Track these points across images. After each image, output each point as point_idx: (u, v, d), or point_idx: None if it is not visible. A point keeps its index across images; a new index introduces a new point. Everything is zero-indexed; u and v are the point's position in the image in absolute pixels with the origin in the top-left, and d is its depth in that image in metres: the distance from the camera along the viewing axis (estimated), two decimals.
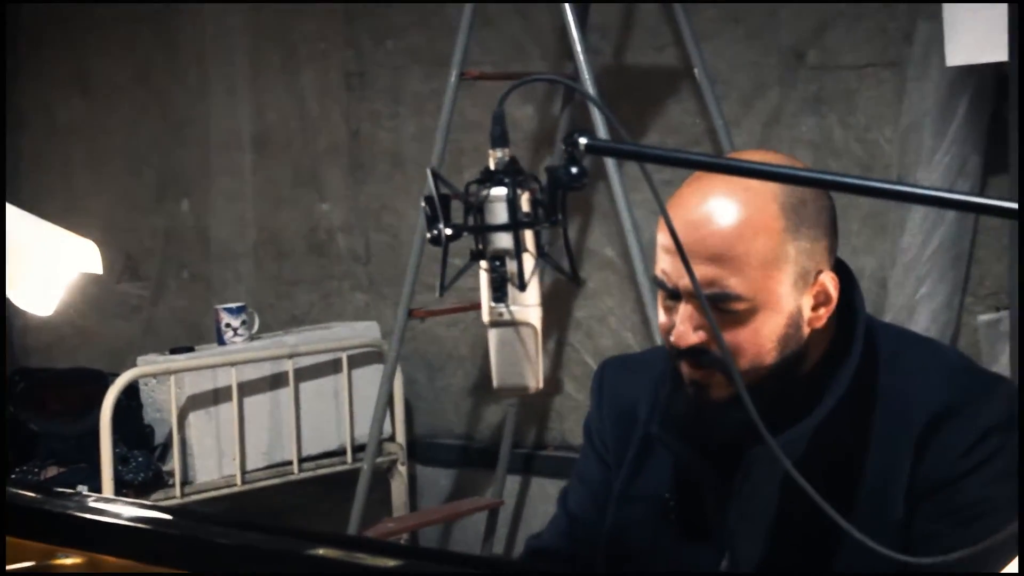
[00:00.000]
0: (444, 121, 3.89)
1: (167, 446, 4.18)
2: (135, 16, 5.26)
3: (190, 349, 4.32)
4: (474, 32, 4.50)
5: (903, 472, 1.81)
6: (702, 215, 1.83)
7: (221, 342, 4.37)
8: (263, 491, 4.33)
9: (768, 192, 1.81)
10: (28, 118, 5.57)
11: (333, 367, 4.47)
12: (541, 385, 1.68)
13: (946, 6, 3.48)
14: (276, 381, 4.37)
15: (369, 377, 4.48)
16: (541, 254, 1.65)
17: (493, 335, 1.67)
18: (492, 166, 1.66)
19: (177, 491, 4.12)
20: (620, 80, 4.38)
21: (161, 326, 5.32)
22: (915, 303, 3.78)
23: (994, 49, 3.44)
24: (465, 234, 1.64)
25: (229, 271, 5.18)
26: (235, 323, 4.35)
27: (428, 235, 1.67)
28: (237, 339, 4.36)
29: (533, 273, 1.62)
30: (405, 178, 4.78)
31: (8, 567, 1.90)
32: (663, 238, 1.85)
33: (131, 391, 4.26)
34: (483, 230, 1.63)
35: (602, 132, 3.60)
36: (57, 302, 2.27)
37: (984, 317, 3.83)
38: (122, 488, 3.99)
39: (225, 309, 4.37)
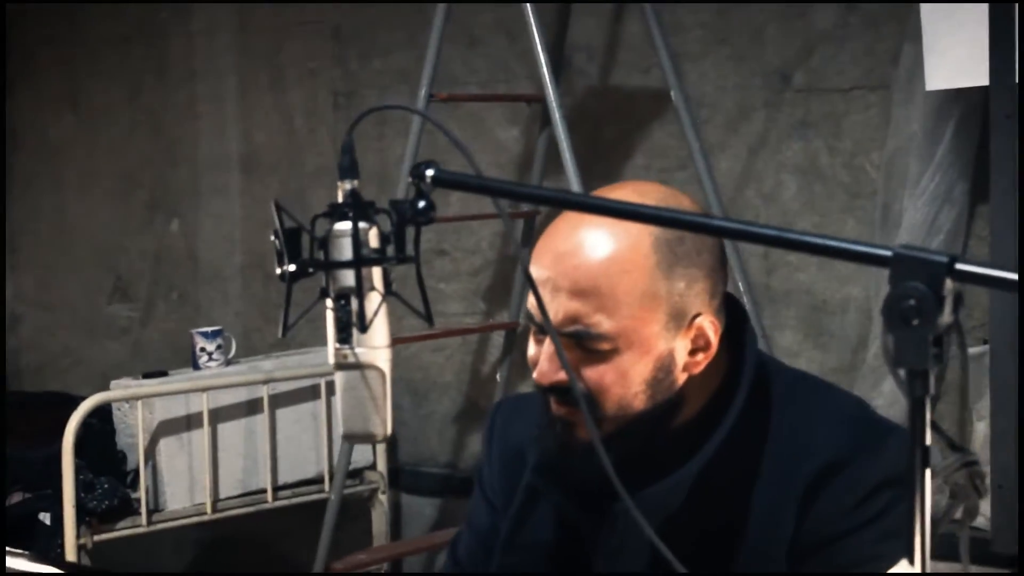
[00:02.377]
0: (412, 143, 3.79)
1: (139, 472, 4.09)
2: (126, 36, 5.21)
3: (164, 373, 4.24)
4: (459, 52, 4.44)
5: (787, 526, 1.70)
6: (570, 247, 1.72)
7: (196, 367, 4.28)
8: (236, 519, 4.24)
9: (643, 227, 1.70)
10: (21, 137, 5.52)
11: (312, 393, 4.38)
12: (389, 432, 1.58)
13: (925, 29, 3.37)
14: (252, 407, 4.28)
15: None
16: (389, 292, 1.55)
17: (338, 379, 1.57)
18: (340, 199, 1.56)
19: (144, 519, 4.03)
20: (605, 101, 4.29)
21: (150, 348, 5.25)
22: None
23: (974, 74, 3.33)
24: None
25: (217, 293, 5.10)
26: (210, 347, 4.27)
27: (277, 271, 1.58)
28: (212, 364, 4.28)
29: (376, 313, 1.52)
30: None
31: None
32: (533, 270, 1.75)
33: (105, 415, 4.19)
34: (325, 267, 1.53)
35: (568, 157, 3.51)
36: None
37: (972, 350, 3.69)
38: (85, 516, 3.91)
39: (200, 333, 4.28)
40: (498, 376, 4.27)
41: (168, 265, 5.22)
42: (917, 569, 1.29)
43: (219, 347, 4.29)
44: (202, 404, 4.11)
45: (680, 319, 1.73)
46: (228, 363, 4.33)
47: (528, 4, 3.47)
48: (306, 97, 4.86)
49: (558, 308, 1.71)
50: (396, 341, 4.11)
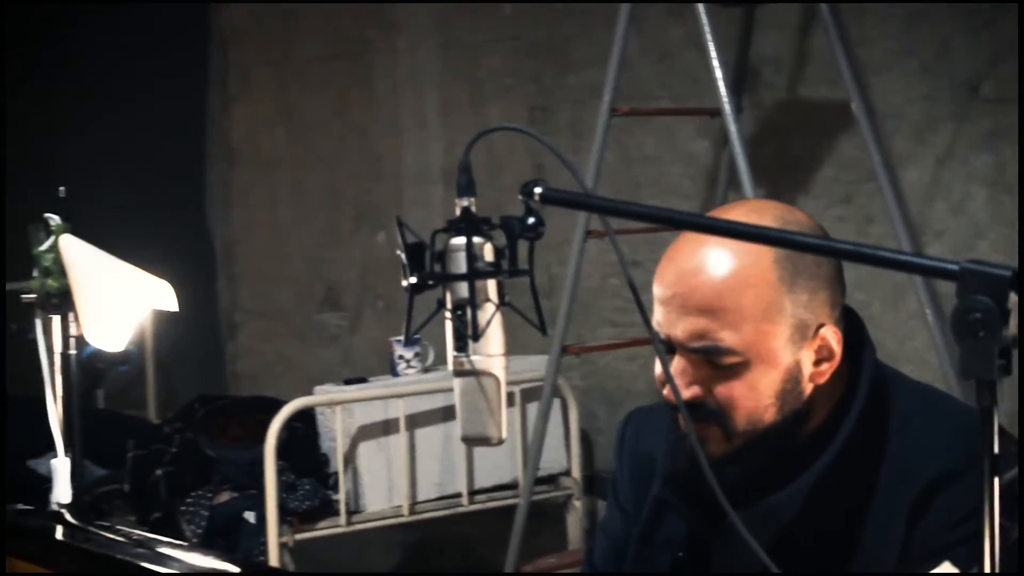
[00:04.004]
0: (595, 154, 3.89)
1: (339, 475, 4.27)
2: (334, 54, 5.41)
3: (363, 380, 4.40)
4: (651, 67, 4.51)
5: (900, 534, 1.74)
6: (694, 266, 1.78)
7: (395, 373, 4.44)
8: (433, 522, 4.39)
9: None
10: (238, 153, 5.77)
11: (508, 400, 4.49)
12: (504, 435, 1.68)
13: None
14: (448, 413, 4.42)
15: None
16: (504, 303, 1.65)
17: (457, 385, 1.68)
18: (458, 215, 1.66)
19: (343, 519, 4.20)
20: (793, 114, 4.31)
21: (358, 355, 5.43)
22: None
23: None
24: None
25: (419, 302, 5.25)
26: (408, 355, 4.42)
27: (403, 284, 1.69)
28: (410, 371, 4.43)
29: (489, 323, 1.62)
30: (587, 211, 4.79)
31: None
32: (657, 290, 1.82)
33: (309, 420, 4.38)
34: (442, 279, 1.64)
35: (743, 169, 3.56)
36: (128, 337, 2.34)
37: None
38: (287, 515, 4.09)
39: (398, 341, 4.44)
40: None
41: (374, 275, 5.41)
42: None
43: (417, 355, 4.44)
44: (399, 410, 4.27)
45: (804, 330, 1.78)
46: (426, 370, 4.48)
47: (703, 14, 3.52)
48: (503, 112, 4.99)
49: (685, 325, 1.78)
50: (590, 349, 4.17)
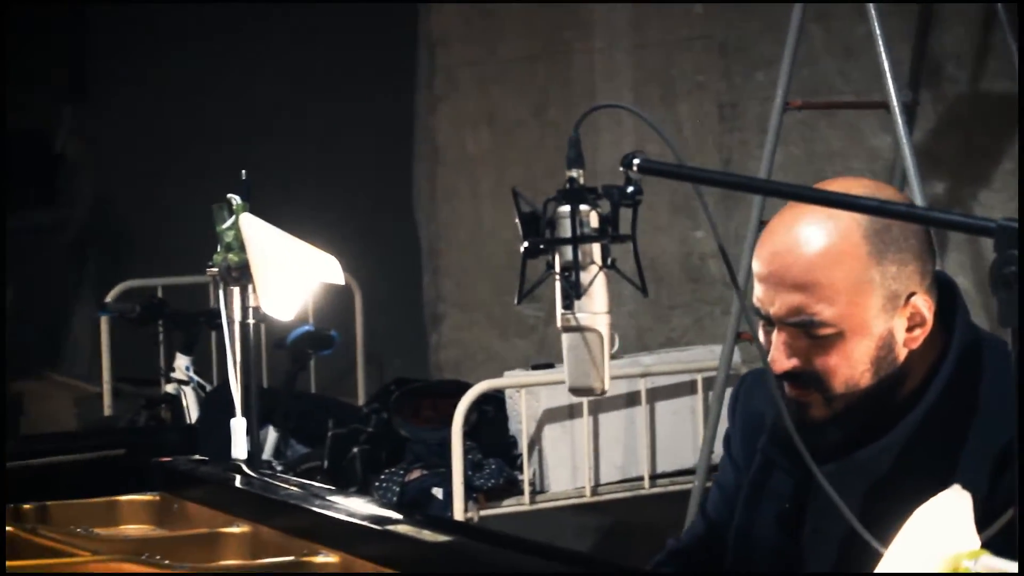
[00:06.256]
0: (770, 146, 3.99)
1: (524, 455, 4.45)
2: (534, 55, 5.61)
3: (550, 366, 4.58)
4: (836, 62, 4.60)
5: (981, 494, 1.82)
6: (787, 244, 1.92)
7: None
8: (615, 504, 4.54)
9: (852, 219, 1.88)
10: (443, 152, 6.00)
11: (690, 388, 4.63)
12: (607, 387, 1.84)
13: None
14: (632, 399, 4.57)
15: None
16: (608, 265, 1.80)
17: (564, 340, 1.84)
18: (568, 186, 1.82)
19: (526, 498, 4.38)
20: (976, 107, 4.36)
21: (554, 344, 5.60)
22: None
23: None
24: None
25: (613, 295, 5.41)
26: None
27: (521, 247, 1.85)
28: None
29: (591, 282, 1.77)
30: (773, 205, 4.89)
31: (263, 560, 2.20)
32: (755, 267, 1.95)
33: (499, 403, 4.57)
34: (551, 242, 1.80)
35: (909, 163, 3.64)
36: (297, 308, 2.54)
37: None
38: (473, 492, 4.29)
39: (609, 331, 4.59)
40: None
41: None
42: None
43: None
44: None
45: (895, 300, 1.91)
46: (611, 358, 4.62)
47: (872, 9, 3.62)
48: (693, 108, 5.12)
49: (782, 301, 1.92)
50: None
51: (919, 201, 3.69)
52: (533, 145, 5.68)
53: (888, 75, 3.68)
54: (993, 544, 1.41)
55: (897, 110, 3.63)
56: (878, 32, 3.67)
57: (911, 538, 1.27)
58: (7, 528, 2.26)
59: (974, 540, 1.29)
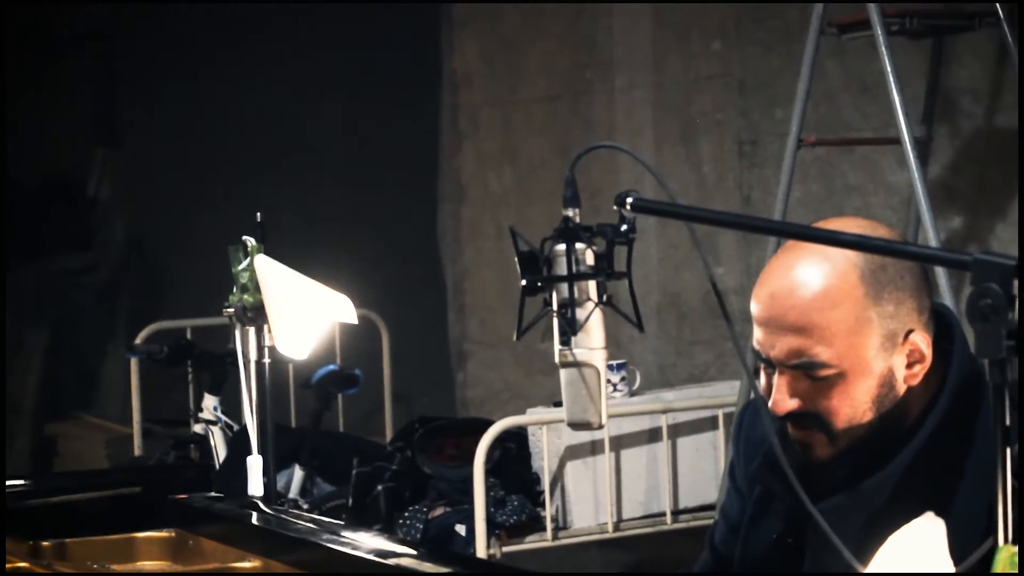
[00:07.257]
0: (784, 183, 4.03)
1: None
2: (555, 94, 5.66)
3: None
4: (853, 98, 4.64)
5: (982, 525, 1.83)
6: (784, 288, 1.95)
7: None
8: (638, 540, 4.56)
9: (847, 261, 1.91)
10: (467, 190, 6.06)
11: (711, 423, 4.66)
12: (605, 421, 1.87)
13: None
14: (653, 435, 4.60)
15: None
16: (603, 302, 1.85)
17: (562, 375, 1.88)
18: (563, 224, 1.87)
19: (549, 534, 4.41)
20: (991, 142, 4.39)
21: None
22: None
23: None
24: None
25: (634, 330, 5.44)
26: (615, 379, 4.62)
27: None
28: (616, 394, 4.62)
29: (587, 319, 1.81)
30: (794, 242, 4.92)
31: None
32: (753, 311, 1.99)
33: (522, 440, 4.61)
34: (548, 280, 1.84)
35: (921, 197, 3.66)
36: (312, 347, 2.59)
37: None
38: (495, 529, 4.32)
39: (607, 367, 4.63)
40: None
41: None
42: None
43: (623, 379, 4.63)
44: (606, 431, 4.46)
45: (894, 338, 1.94)
46: (632, 394, 4.67)
47: (883, 45, 3.65)
48: (713, 146, 5.16)
49: (782, 345, 1.95)
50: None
51: (932, 236, 3.72)
52: (556, 183, 5.69)
53: (899, 112, 3.72)
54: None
55: (909, 146, 3.66)
56: (889, 68, 3.70)
57: (884, 564, 1.30)
58: (24, 564, 2.31)
59: (947, 565, 1.32)
